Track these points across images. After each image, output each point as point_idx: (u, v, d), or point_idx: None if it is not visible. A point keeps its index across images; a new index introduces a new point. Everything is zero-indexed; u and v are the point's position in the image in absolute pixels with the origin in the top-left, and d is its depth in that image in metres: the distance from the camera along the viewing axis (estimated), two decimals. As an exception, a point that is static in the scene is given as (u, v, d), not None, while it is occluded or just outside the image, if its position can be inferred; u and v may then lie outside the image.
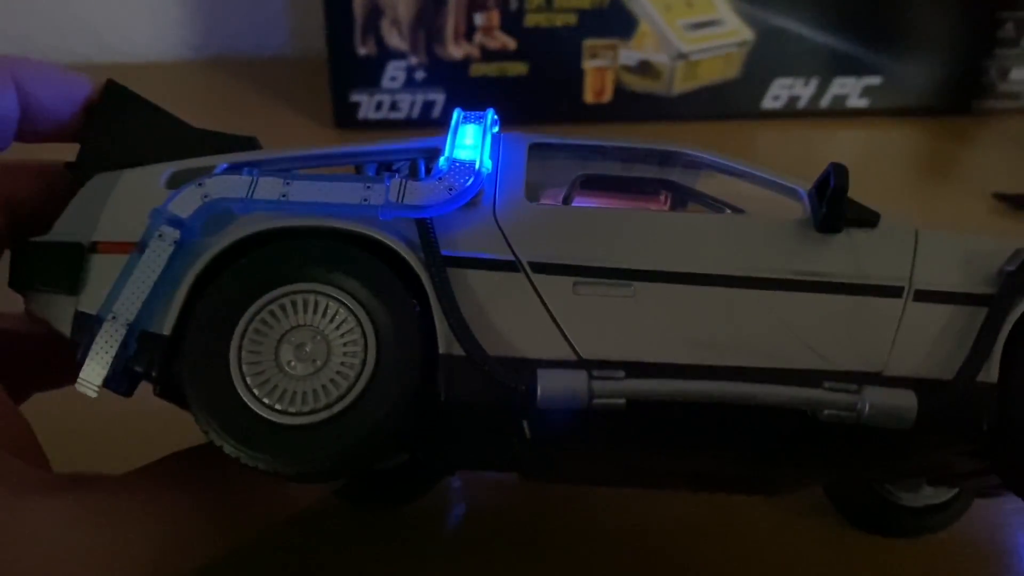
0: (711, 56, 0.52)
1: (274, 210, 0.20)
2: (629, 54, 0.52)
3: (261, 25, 0.63)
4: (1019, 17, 0.54)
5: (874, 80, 0.54)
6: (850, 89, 0.54)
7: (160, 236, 0.20)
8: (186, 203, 0.20)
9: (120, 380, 0.19)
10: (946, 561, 0.29)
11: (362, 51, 0.51)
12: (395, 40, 0.51)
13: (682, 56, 0.52)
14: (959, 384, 0.19)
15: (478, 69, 0.52)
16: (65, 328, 0.20)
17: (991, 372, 0.19)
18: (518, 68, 0.52)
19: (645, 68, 0.52)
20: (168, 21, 0.64)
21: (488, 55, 0.51)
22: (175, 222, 0.20)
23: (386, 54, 0.51)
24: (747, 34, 0.52)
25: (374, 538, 0.29)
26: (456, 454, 0.25)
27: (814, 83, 0.54)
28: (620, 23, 0.51)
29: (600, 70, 0.52)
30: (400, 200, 0.20)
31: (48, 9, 0.64)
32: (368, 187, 0.20)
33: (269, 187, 0.20)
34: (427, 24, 0.50)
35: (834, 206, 0.20)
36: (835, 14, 0.53)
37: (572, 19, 0.50)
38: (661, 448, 0.21)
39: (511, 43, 0.51)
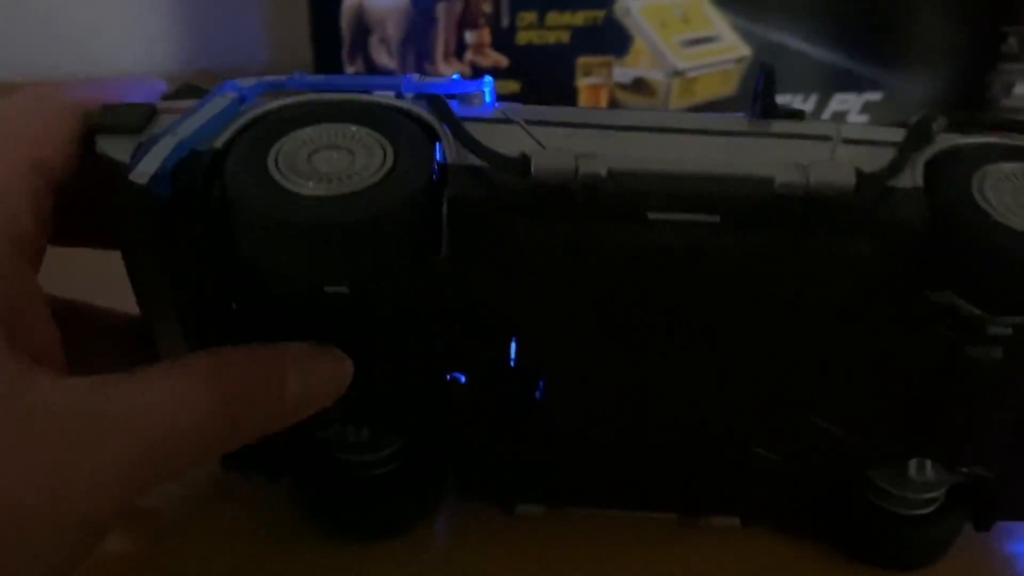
0: (708, 73, 0.51)
1: (320, 87, 0.24)
2: (624, 71, 0.50)
3: (247, 40, 0.62)
4: (1023, 31, 0.53)
5: (875, 96, 0.53)
6: (850, 105, 0.53)
7: (222, 94, 0.24)
8: (246, 82, 0.24)
9: (164, 183, 0.22)
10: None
11: (350, 70, 0.50)
12: (383, 58, 0.49)
13: (678, 73, 0.51)
14: (888, 172, 0.22)
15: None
16: (125, 156, 0.22)
17: (916, 178, 0.23)
18: (510, 86, 0.50)
19: (640, 86, 0.51)
20: (154, 35, 0.63)
21: (479, 73, 0.50)
22: (235, 88, 0.24)
23: (375, 73, 0.50)
24: (744, 50, 0.51)
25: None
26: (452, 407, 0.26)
27: (813, 99, 0.53)
28: (614, 40, 0.50)
29: (594, 88, 0.51)
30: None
31: (33, 23, 0.63)
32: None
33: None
34: (416, 42, 0.49)
35: (768, 91, 0.24)
36: (835, 29, 0.51)
37: (565, 36, 0.49)
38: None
39: (503, 61, 0.50)
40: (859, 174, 0.22)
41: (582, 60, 0.50)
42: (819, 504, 0.29)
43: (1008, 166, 0.23)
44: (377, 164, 0.22)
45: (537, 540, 0.29)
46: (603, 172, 0.22)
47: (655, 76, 0.51)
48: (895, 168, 0.23)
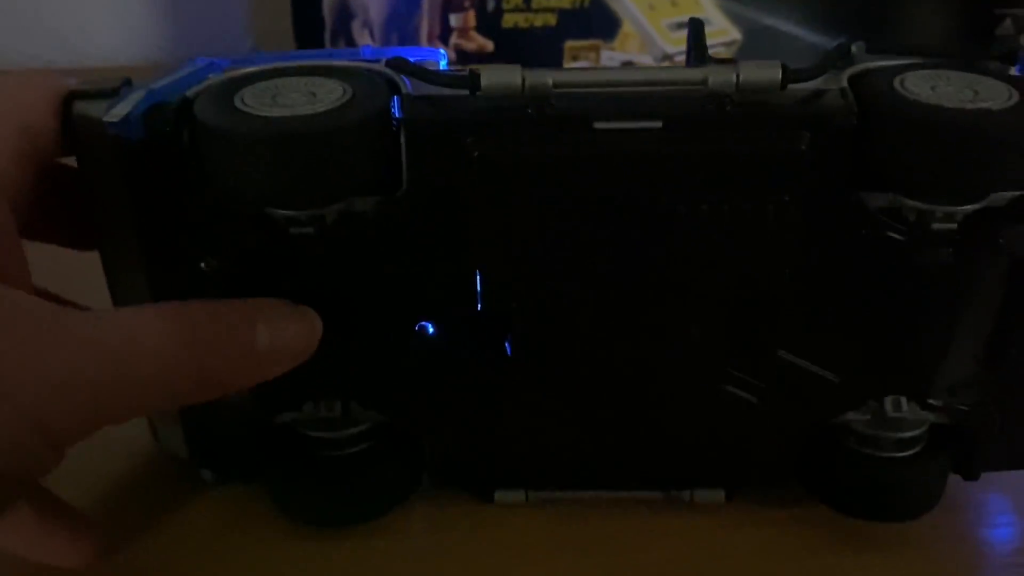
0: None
1: (285, 59, 0.26)
2: (612, 55, 0.50)
3: (229, 27, 0.62)
4: (1017, 13, 0.52)
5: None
6: (842, 89, 0.52)
7: (193, 64, 0.25)
8: (220, 56, 0.26)
9: (136, 125, 0.23)
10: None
11: (330, 49, 0.49)
12: (366, 42, 0.49)
13: (667, 57, 0.50)
14: (812, 71, 0.24)
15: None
16: (101, 112, 0.23)
17: (842, 83, 0.24)
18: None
19: (629, 70, 0.51)
20: (137, 24, 0.63)
21: (464, 57, 0.49)
22: (205, 60, 0.25)
23: (358, 58, 0.49)
24: (735, 34, 0.50)
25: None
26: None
27: (805, 83, 0.52)
28: (602, 23, 0.49)
29: (584, 72, 0.51)
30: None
31: (13, 13, 0.63)
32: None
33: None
34: (400, 26, 0.49)
35: (699, 42, 0.26)
36: (825, 12, 0.51)
37: (552, 19, 0.49)
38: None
39: (488, 45, 0.49)
40: (784, 69, 0.23)
41: (569, 44, 0.50)
42: (801, 459, 0.28)
43: (925, 71, 0.25)
44: (336, 97, 0.23)
45: (518, 528, 0.29)
46: (549, 83, 0.23)
47: (644, 60, 0.50)
48: (819, 69, 0.24)
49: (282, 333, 0.23)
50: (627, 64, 0.50)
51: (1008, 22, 0.52)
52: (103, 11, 0.62)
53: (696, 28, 0.27)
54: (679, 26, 0.51)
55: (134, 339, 0.21)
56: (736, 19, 0.51)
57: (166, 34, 0.63)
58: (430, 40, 0.49)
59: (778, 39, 0.51)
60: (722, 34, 0.51)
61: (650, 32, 0.50)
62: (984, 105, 0.23)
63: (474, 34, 0.49)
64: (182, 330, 0.21)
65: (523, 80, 0.23)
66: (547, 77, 0.23)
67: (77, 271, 0.28)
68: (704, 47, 0.27)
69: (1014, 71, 0.26)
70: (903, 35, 0.52)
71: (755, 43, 0.51)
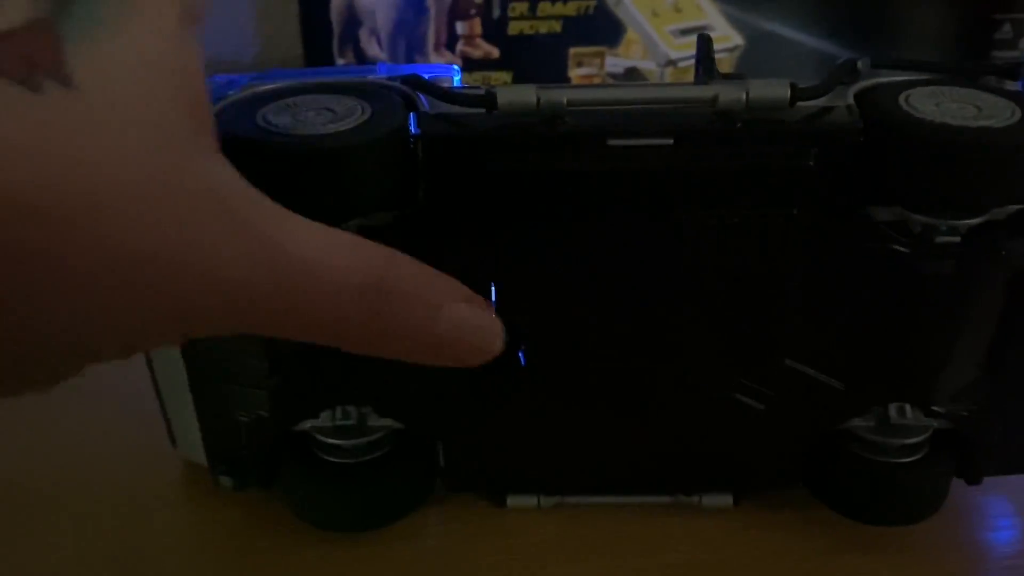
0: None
1: (302, 76, 0.26)
2: (616, 61, 0.50)
3: (238, 32, 0.62)
4: (1016, 18, 0.53)
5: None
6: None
7: (212, 81, 0.26)
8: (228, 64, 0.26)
9: None
10: None
11: (340, 61, 0.49)
12: (374, 50, 0.49)
13: (671, 63, 0.51)
14: (820, 88, 0.24)
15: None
16: None
17: (848, 99, 0.24)
18: (502, 77, 0.50)
19: (633, 75, 0.51)
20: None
21: (471, 64, 0.50)
22: (226, 77, 0.26)
23: (365, 63, 0.50)
24: (737, 39, 0.51)
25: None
26: None
27: (807, 88, 0.53)
28: (606, 30, 0.50)
29: (587, 78, 0.51)
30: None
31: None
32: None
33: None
34: (407, 34, 0.49)
35: (707, 56, 0.26)
36: (826, 18, 0.51)
37: (556, 27, 0.49)
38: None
39: (494, 52, 0.50)
40: (793, 87, 0.24)
41: (574, 50, 0.50)
42: (807, 465, 0.29)
43: (929, 88, 0.25)
44: (355, 115, 0.24)
45: (529, 532, 0.29)
46: (563, 101, 0.24)
47: (647, 66, 0.51)
48: (826, 87, 0.24)
49: (465, 328, 0.21)
50: (630, 70, 0.51)
51: (1007, 27, 0.53)
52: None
53: (705, 44, 0.27)
54: (682, 32, 0.51)
55: (321, 263, 0.18)
56: (739, 24, 0.51)
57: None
58: (437, 47, 0.50)
59: (780, 44, 0.51)
60: (725, 40, 0.51)
61: (654, 38, 0.50)
62: (986, 123, 0.23)
63: (480, 41, 0.49)
64: (375, 280, 0.19)
65: (538, 99, 0.23)
66: (561, 95, 0.24)
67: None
68: (713, 62, 0.27)
69: (1016, 85, 0.26)
70: (904, 39, 0.52)
71: (757, 48, 0.51)
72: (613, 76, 0.51)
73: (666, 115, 0.24)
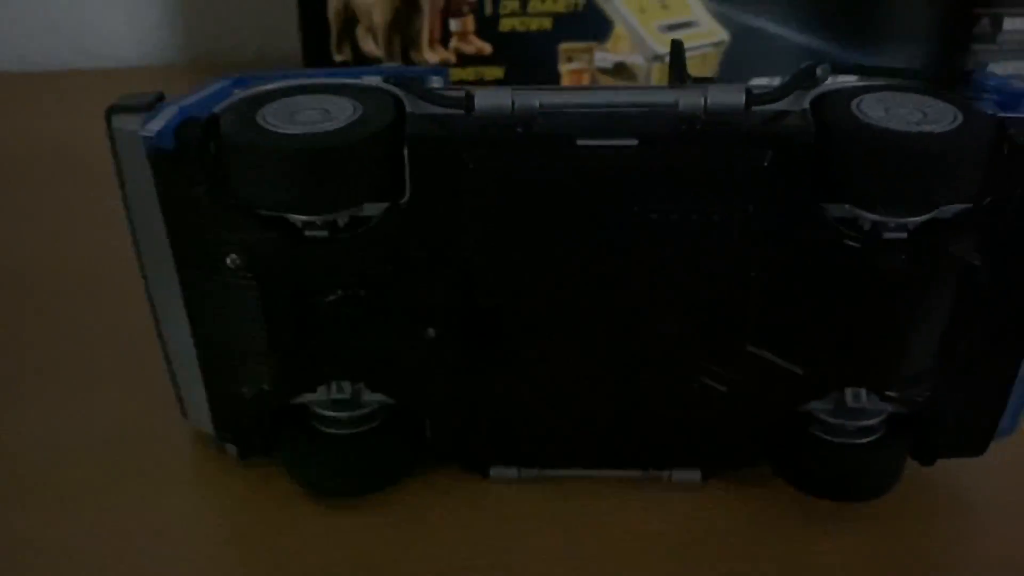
0: (687, 57, 0.52)
1: (300, 77, 0.28)
2: (605, 56, 0.52)
3: (238, 31, 0.63)
4: (994, 13, 0.54)
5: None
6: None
7: (219, 80, 0.28)
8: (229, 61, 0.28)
9: (168, 137, 0.26)
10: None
11: (338, 58, 0.51)
12: (370, 47, 0.51)
13: (658, 57, 0.52)
14: (775, 94, 0.26)
15: (455, 74, 0.52)
16: (137, 126, 0.26)
17: (804, 105, 0.26)
18: (494, 72, 0.52)
19: (621, 70, 0.53)
20: (148, 26, 0.64)
21: (464, 60, 0.51)
22: (232, 79, 0.28)
23: (362, 61, 0.51)
24: (723, 34, 0.52)
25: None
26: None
27: (790, 82, 0.54)
28: (595, 26, 0.51)
29: (576, 73, 0.52)
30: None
31: (30, 15, 0.64)
32: None
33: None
34: (402, 30, 0.51)
35: (677, 60, 0.28)
36: (811, 14, 0.53)
37: (547, 23, 0.51)
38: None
39: (487, 48, 0.51)
40: (748, 92, 0.25)
41: (564, 46, 0.51)
42: (770, 444, 0.31)
43: (880, 94, 0.27)
44: (348, 115, 0.26)
45: (510, 502, 0.31)
46: (536, 104, 0.25)
47: (635, 61, 0.52)
48: (781, 92, 0.26)
49: None
50: (619, 64, 0.52)
51: (985, 21, 0.54)
52: (114, 12, 0.64)
53: (677, 50, 0.29)
54: (669, 28, 0.52)
55: None
56: (724, 21, 0.52)
57: (176, 35, 0.64)
58: (431, 44, 0.51)
59: (765, 40, 0.52)
60: (711, 35, 0.53)
61: (641, 34, 0.52)
62: (929, 128, 0.25)
63: (473, 38, 0.51)
64: None
65: (512, 102, 0.25)
66: (534, 99, 0.26)
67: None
68: (684, 67, 0.29)
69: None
70: (886, 34, 0.54)
71: (743, 44, 0.52)
72: (602, 71, 0.53)
73: (631, 118, 0.26)
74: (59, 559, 0.29)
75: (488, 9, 0.50)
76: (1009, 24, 0.54)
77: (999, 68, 0.55)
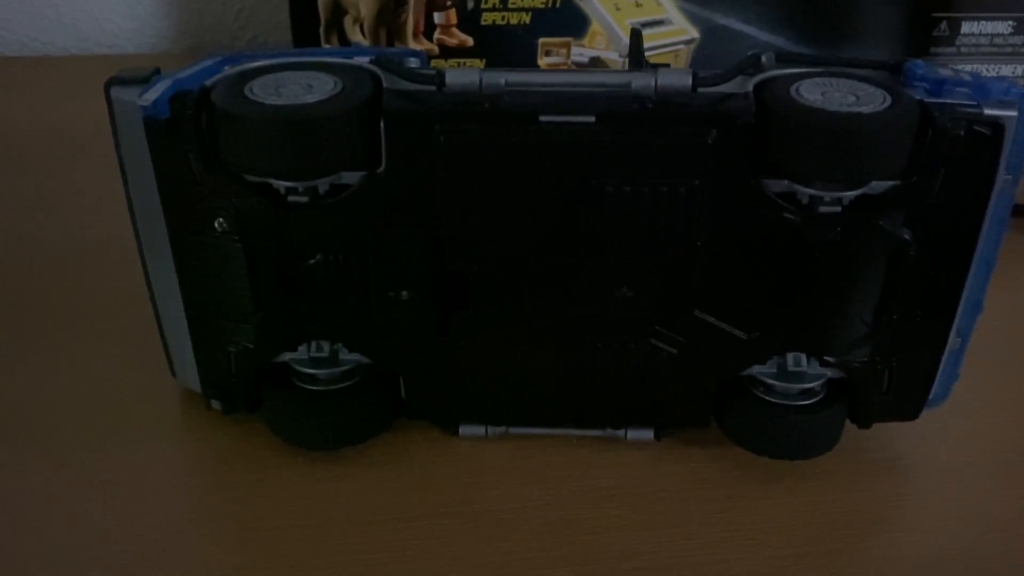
0: (659, 54, 0.55)
1: (290, 55, 0.30)
2: (581, 51, 0.54)
3: (231, 20, 0.65)
4: (952, 16, 0.57)
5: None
6: (793, 85, 0.56)
7: (211, 57, 0.30)
8: (222, 48, 0.30)
9: (163, 107, 0.27)
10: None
11: (327, 48, 0.53)
12: (358, 37, 0.53)
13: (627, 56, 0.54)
14: (719, 77, 0.28)
15: (438, 65, 0.54)
16: (134, 97, 0.28)
17: (747, 88, 0.28)
18: (476, 64, 0.54)
19: (596, 65, 0.55)
20: (144, 14, 0.66)
21: (447, 52, 0.53)
22: (224, 56, 0.29)
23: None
24: (693, 33, 0.55)
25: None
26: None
27: (759, 79, 0.56)
28: (572, 22, 0.53)
29: (554, 66, 0.54)
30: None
31: (32, 5, 0.66)
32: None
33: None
34: (388, 22, 0.53)
35: (636, 48, 0.30)
36: (778, 14, 0.55)
37: (527, 18, 0.53)
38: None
39: (468, 40, 0.53)
40: (694, 76, 0.28)
41: (542, 40, 0.53)
42: (717, 405, 0.33)
43: (818, 79, 0.29)
44: (329, 89, 0.28)
45: (478, 457, 0.33)
46: (502, 82, 0.28)
47: (610, 56, 0.54)
48: (725, 76, 0.28)
49: None
50: (594, 59, 0.55)
51: (944, 24, 0.57)
52: (115, 5, 0.66)
53: (636, 38, 0.31)
54: (643, 25, 0.55)
55: None
56: (695, 19, 0.55)
57: (172, 25, 0.66)
58: (415, 36, 0.53)
59: (734, 38, 0.55)
60: (681, 33, 0.55)
61: (616, 30, 0.54)
62: (860, 109, 0.27)
63: (455, 31, 0.53)
64: None
65: (480, 79, 0.28)
66: (500, 77, 0.28)
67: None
68: (641, 53, 0.31)
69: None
70: (849, 34, 0.56)
71: (713, 42, 0.55)
72: (578, 64, 0.55)
73: (589, 97, 0.28)
74: (51, 506, 0.31)
75: (470, 3, 0.53)
76: (967, 27, 0.57)
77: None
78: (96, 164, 0.34)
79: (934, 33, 0.57)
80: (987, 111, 0.27)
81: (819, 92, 0.28)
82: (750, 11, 0.54)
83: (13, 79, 0.62)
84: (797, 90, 0.28)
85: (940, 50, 0.57)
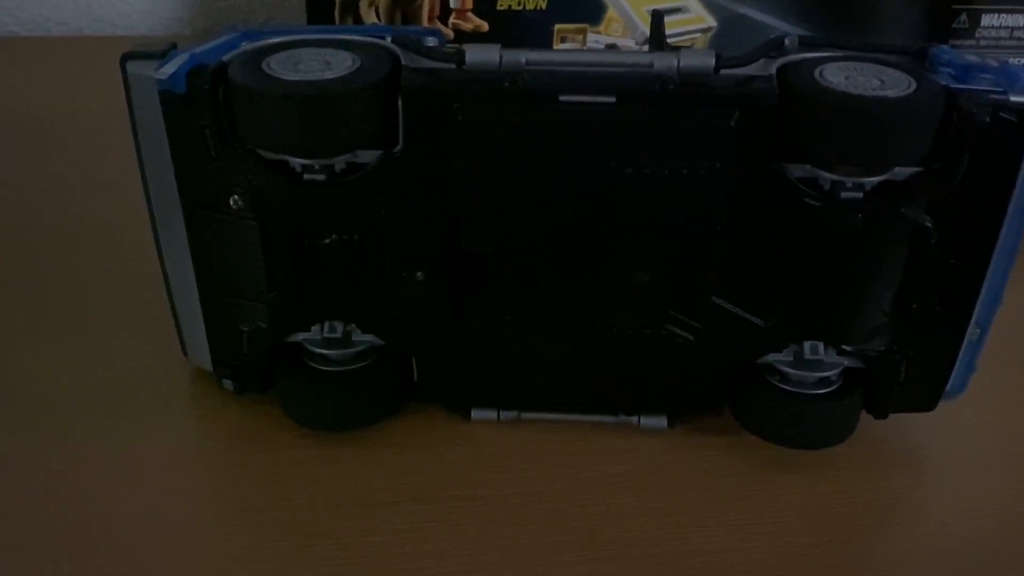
0: (676, 41, 0.54)
1: (309, 32, 0.30)
2: (597, 38, 0.54)
3: (247, 2, 0.65)
4: (972, 8, 0.56)
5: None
6: (810, 75, 0.56)
7: (231, 29, 0.30)
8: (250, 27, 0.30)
9: (180, 81, 0.27)
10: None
11: (346, 26, 0.53)
12: (373, 20, 0.53)
13: (648, 40, 0.54)
14: (742, 59, 0.28)
15: (452, 50, 0.54)
16: (151, 71, 0.28)
17: (770, 71, 0.28)
18: (491, 49, 0.54)
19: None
20: (158, -4, 0.66)
21: (462, 37, 0.53)
22: (243, 31, 0.30)
23: (364, 34, 0.53)
24: (711, 21, 0.54)
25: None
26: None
27: (775, 69, 0.56)
28: (588, 8, 0.53)
29: (570, 52, 0.54)
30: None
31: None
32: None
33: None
34: (403, 6, 0.52)
35: (657, 30, 0.30)
36: (796, 3, 0.55)
37: (543, 3, 0.53)
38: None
39: (483, 25, 0.53)
40: (718, 57, 0.27)
41: (558, 26, 0.53)
42: (732, 393, 0.33)
43: (842, 63, 0.28)
44: (347, 66, 0.28)
45: (490, 441, 0.33)
46: (523, 61, 0.27)
47: (626, 43, 0.54)
48: (748, 59, 0.28)
49: None
50: (610, 46, 0.54)
51: (964, 16, 0.56)
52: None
53: (657, 20, 0.31)
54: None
55: None
56: (713, 8, 0.54)
57: (186, 7, 0.66)
58: (430, 20, 0.53)
59: (752, 27, 0.54)
60: (699, 21, 0.55)
61: (633, 17, 0.54)
62: (885, 93, 0.27)
63: (471, 15, 0.53)
64: None
65: (500, 57, 0.27)
66: (520, 56, 0.27)
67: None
68: (663, 35, 0.31)
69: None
70: (869, 24, 0.56)
71: (730, 31, 0.54)
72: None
73: (610, 77, 0.28)
74: (63, 484, 0.31)
75: (486, -12, 0.52)
76: (987, 20, 0.56)
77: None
78: (110, 144, 0.34)
79: (954, 25, 0.56)
80: (1013, 98, 0.27)
81: (843, 76, 0.28)
82: (767, 1, 0.54)
83: (28, 60, 0.62)
84: (821, 73, 0.28)
85: (960, 42, 0.57)
